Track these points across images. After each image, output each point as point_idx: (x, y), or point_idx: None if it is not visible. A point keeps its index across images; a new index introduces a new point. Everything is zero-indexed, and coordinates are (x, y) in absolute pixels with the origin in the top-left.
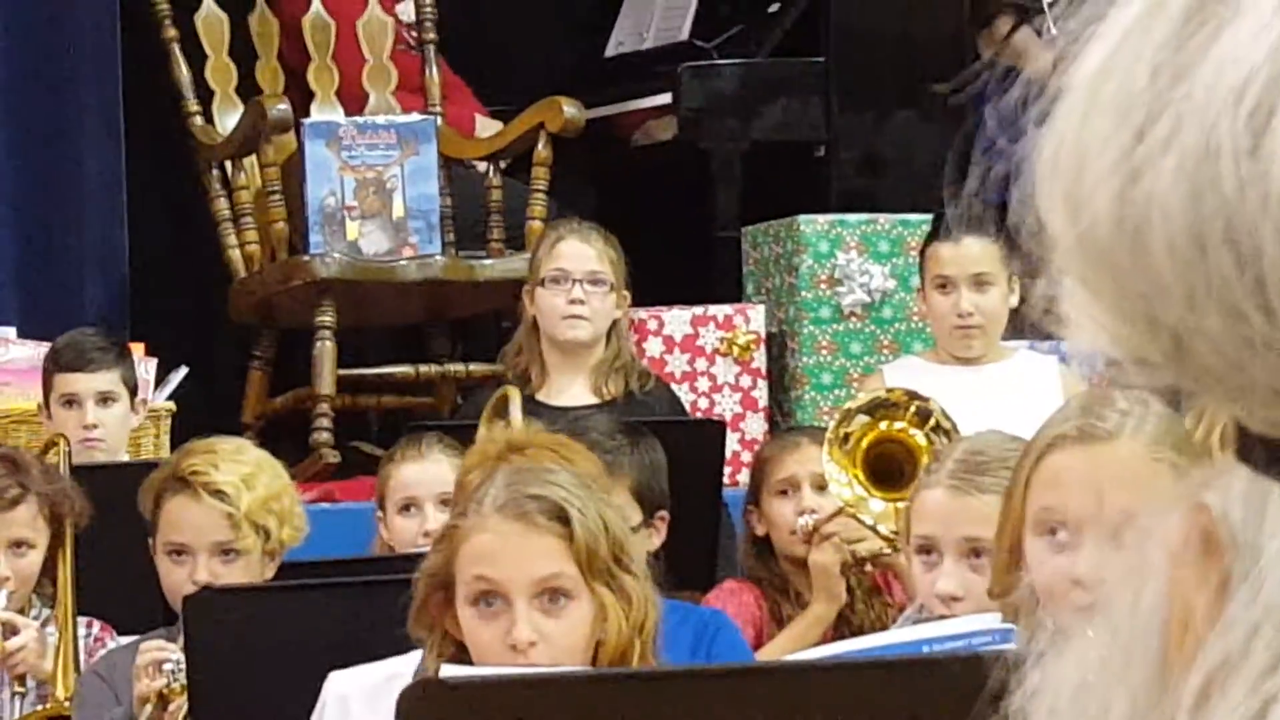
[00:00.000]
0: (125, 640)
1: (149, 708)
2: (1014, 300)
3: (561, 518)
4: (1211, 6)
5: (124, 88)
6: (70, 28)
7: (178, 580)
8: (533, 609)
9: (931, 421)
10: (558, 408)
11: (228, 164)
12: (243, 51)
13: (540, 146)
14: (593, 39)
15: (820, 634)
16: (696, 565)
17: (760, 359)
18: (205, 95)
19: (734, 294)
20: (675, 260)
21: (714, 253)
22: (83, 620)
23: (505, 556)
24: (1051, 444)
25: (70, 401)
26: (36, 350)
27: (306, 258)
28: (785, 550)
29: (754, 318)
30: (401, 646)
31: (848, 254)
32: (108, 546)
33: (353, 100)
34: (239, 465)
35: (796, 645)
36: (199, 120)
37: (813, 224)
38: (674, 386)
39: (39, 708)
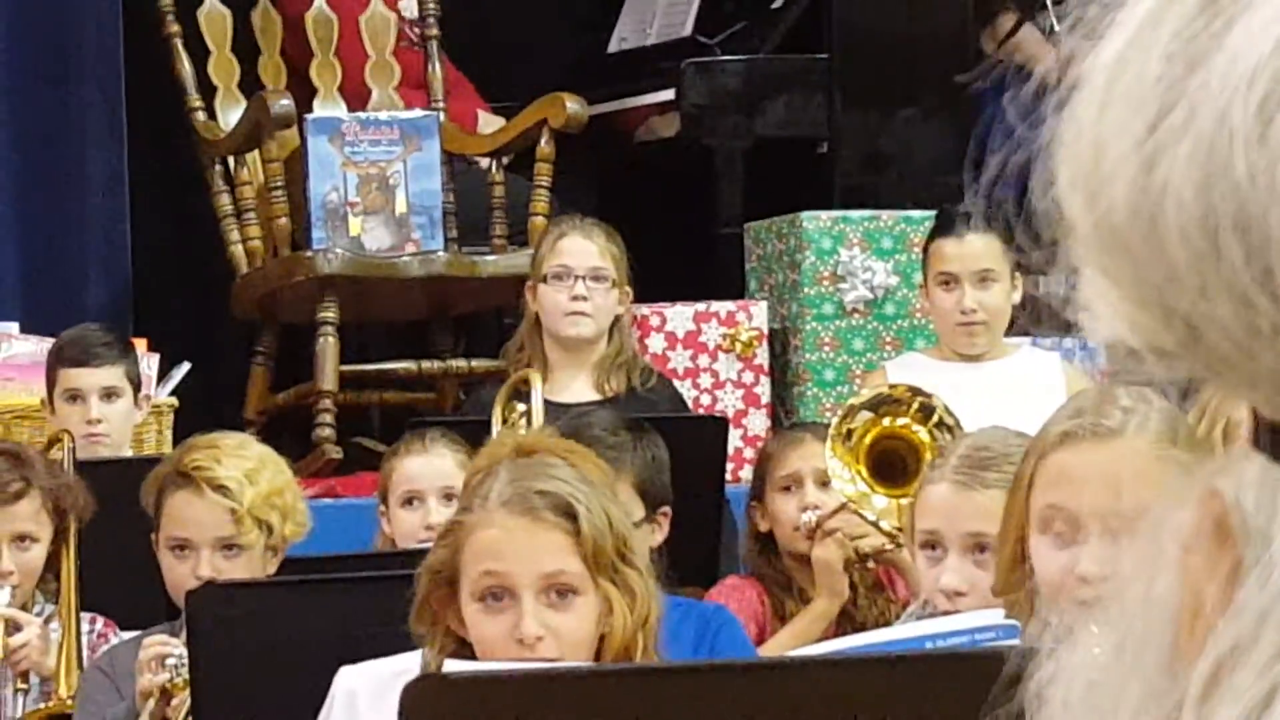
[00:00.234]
0: (128, 635)
1: (151, 703)
2: (1017, 297)
3: (568, 513)
4: None
5: (127, 83)
6: (73, 23)
7: (180, 575)
8: (539, 604)
9: (935, 418)
10: (560, 404)
11: (230, 160)
12: (245, 47)
13: (543, 142)
14: (596, 35)
15: (823, 630)
16: (699, 561)
17: (763, 355)
18: (208, 91)
19: (737, 290)
20: (678, 256)
21: (717, 249)
22: (86, 616)
23: (512, 552)
24: (1055, 441)
25: (74, 397)
26: (39, 345)
27: (309, 253)
28: (788, 546)
29: (756, 314)
30: (405, 642)
31: (850, 250)
32: (110, 542)
33: (355, 96)
34: (242, 460)
35: (799, 641)
36: (202, 116)
37: (815, 220)
38: (676, 383)
39: (42, 705)
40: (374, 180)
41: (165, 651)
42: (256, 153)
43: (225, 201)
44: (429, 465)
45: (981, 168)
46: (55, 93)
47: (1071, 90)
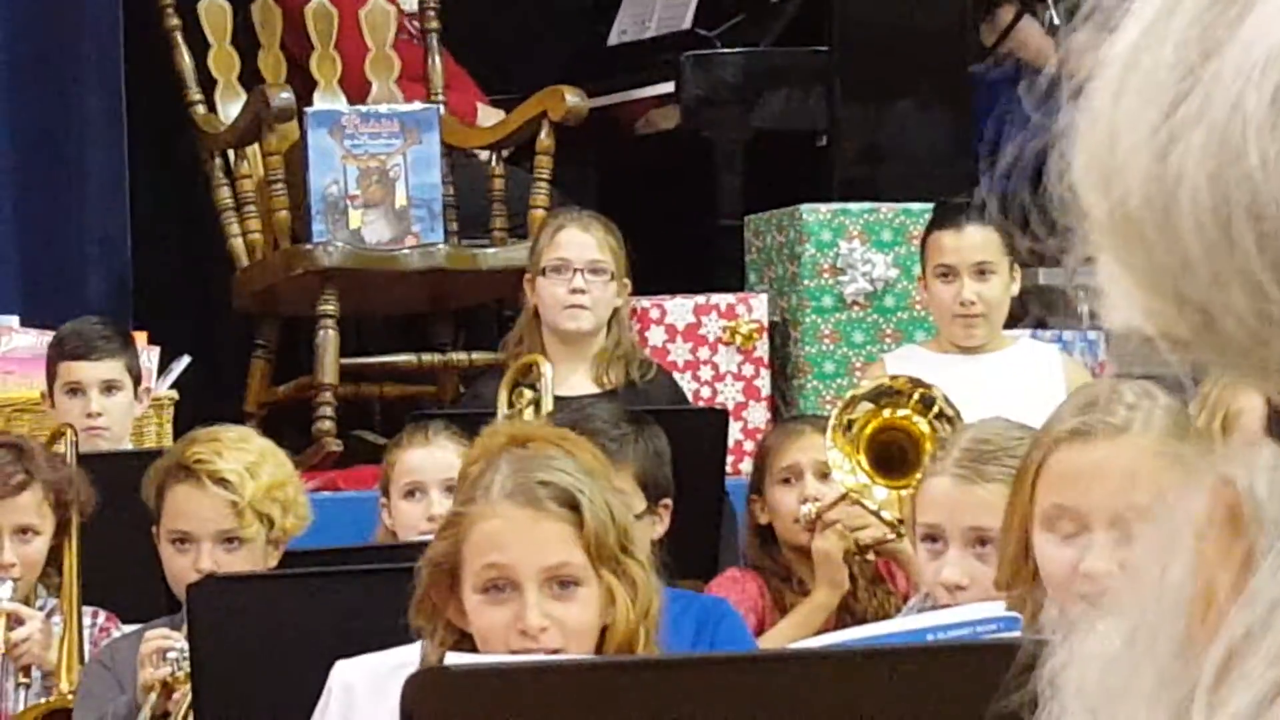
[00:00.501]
0: (129, 629)
1: (153, 696)
2: (1015, 289)
3: (571, 504)
4: None
5: (127, 77)
6: (74, 16)
7: (181, 568)
8: (542, 595)
9: (935, 409)
10: (559, 397)
11: (230, 153)
12: (245, 40)
13: (543, 135)
14: (595, 28)
15: (823, 621)
16: (699, 554)
17: (763, 348)
18: (208, 84)
19: (736, 283)
20: (678, 249)
21: (716, 241)
22: (88, 610)
23: (515, 543)
24: (1060, 438)
25: (74, 390)
26: (39, 339)
27: (309, 246)
28: (788, 539)
29: (756, 306)
30: (406, 635)
31: (850, 243)
32: (111, 535)
33: (355, 89)
34: (243, 454)
35: (799, 632)
36: (201, 109)
37: (815, 213)
38: (676, 375)
39: (43, 699)
40: (374, 173)
41: (166, 645)
42: (256, 146)
43: (225, 195)
44: (431, 457)
45: (995, 158)
46: (55, 86)
47: (1085, 80)
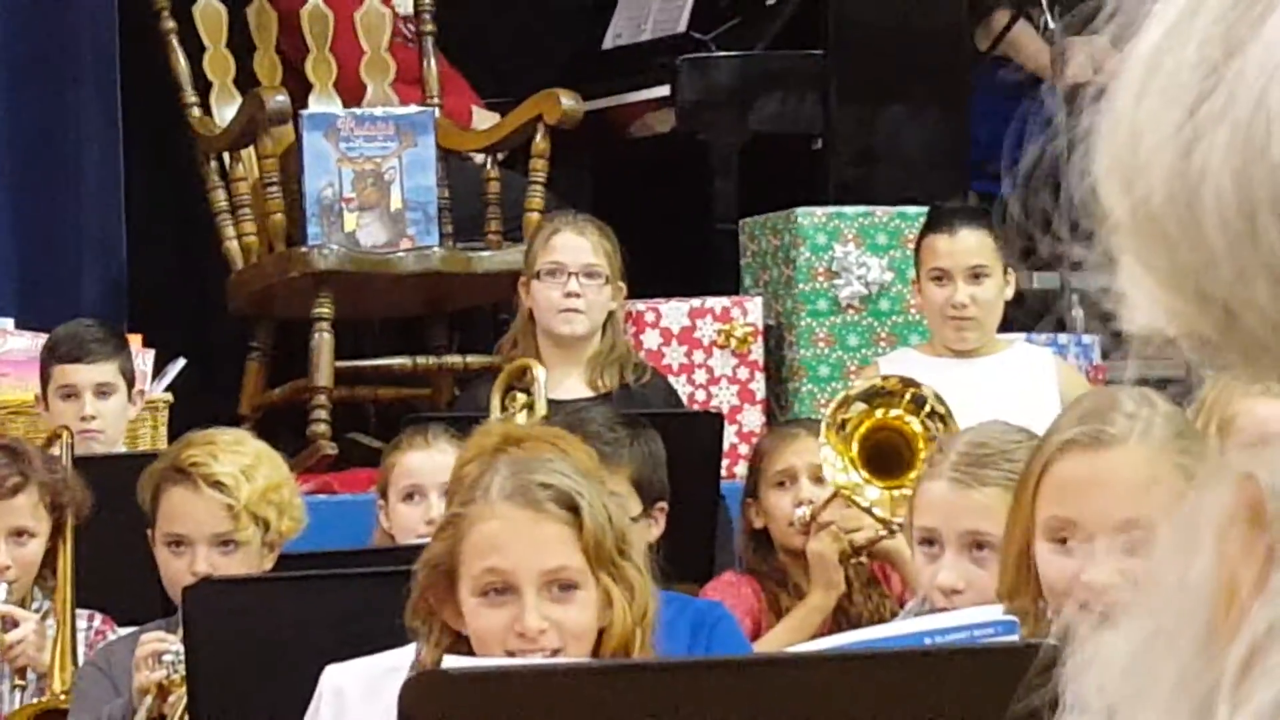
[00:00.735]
0: (125, 631)
1: (148, 699)
2: (1009, 293)
3: (571, 506)
4: None
5: (122, 79)
6: (69, 19)
7: (177, 571)
8: (541, 598)
9: (926, 408)
10: (554, 400)
11: (226, 155)
12: (241, 43)
13: (538, 138)
14: (590, 31)
15: (818, 623)
16: (694, 557)
17: (757, 351)
18: (203, 86)
19: (731, 286)
20: (673, 252)
21: (711, 245)
22: (84, 613)
23: (514, 545)
24: (1059, 449)
25: (68, 393)
26: (34, 341)
27: (304, 249)
28: (783, 542)
29: (751, 310)
30: (402, 638)
31: (845, 246)
32: (106, 537)
33: (350, 92)
34: (238, 456)
35: (795, 635)
36: (197, 111)
37: (810, 216)
38: (671, 378)
39: (36, 700)
40: (369, 176)
41: (162, 648)
42: (252, 148)
43: (220, 197)
44: (431, 460)
45: (987, 162)
46: (51, 89)
47: (1107, 81)
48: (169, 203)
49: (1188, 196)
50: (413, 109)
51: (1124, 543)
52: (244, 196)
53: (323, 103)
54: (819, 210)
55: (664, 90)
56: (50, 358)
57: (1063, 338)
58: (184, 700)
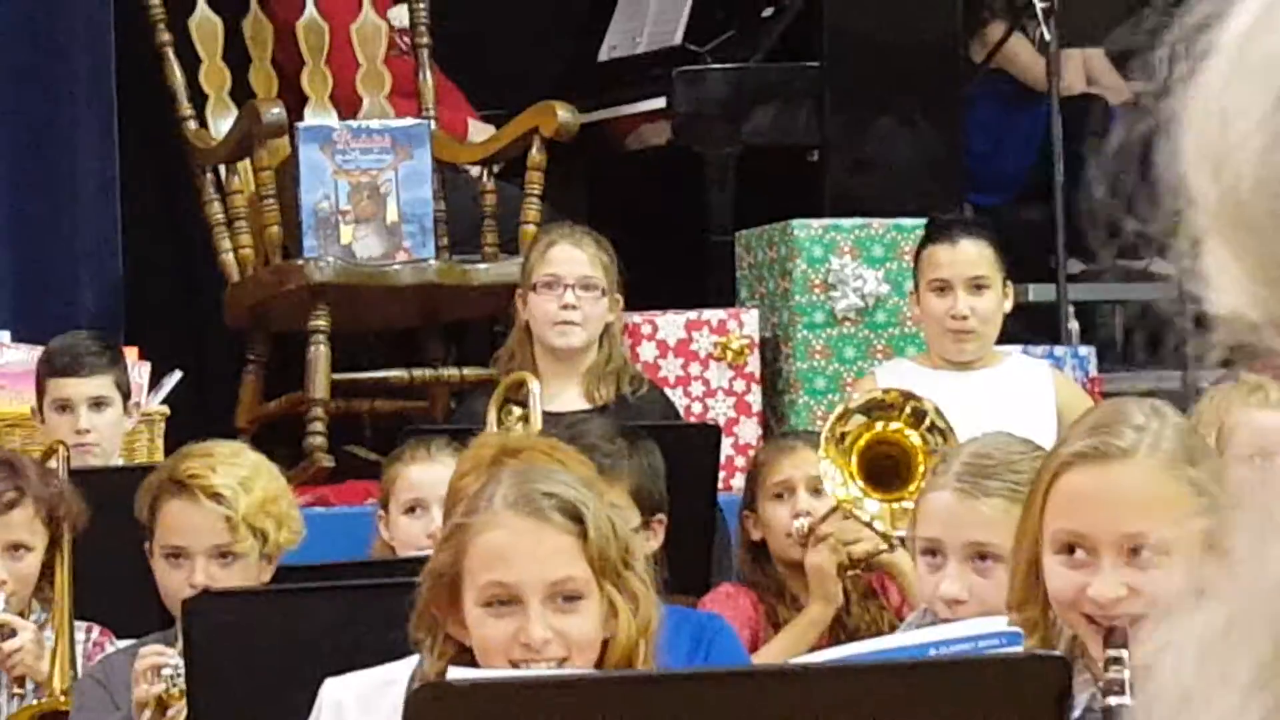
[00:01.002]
0: (123, 644)
1: (147, 713)
2: (1008, 306)
3: (576, 517)
4: None
5: (118, 91)
6: (64, 32)
7: (175, 583)
8: (546, 609)
9: (926, 421)
10: (550, 413)
11: (221, 168)
12: (236, 55)
13: (534, 151)
14: (586, 43)
15: (817, 636)
16: (691, 570)
17: (754, 364)
18: (199, 99)
19: (728, 298)
20: (669, 264)
21: (708, 257)
22: (82, 625)
23: (519, 555)
24: (1068, 461)
25: (63, 406)
26: (31, 354)
27: (300, 262)
28: (781, 554)
29: (748, 322)
30: (401, 650)
31: (841, 259)
32: (103, 550)
33: (347, 104)
34: (236, 468)
35: (793, 648)
36: (193, 124)
37: (806, 228)
38: (668, 391)
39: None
40: (365, 188)
41: (161, 662)
42: (248, 161)
43: (216, 210)
44: (433, 473)
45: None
46: (47, 101)
47: (1196, 66)
48: (165, 215)
49: (1277, 186)
50: (409, 121)
51: (1131, 556)
52: (240, 209)
53: (319, 115)
54: (815, 222)
55: (660, 102)
56: (45, 371)
57: (1059, 350)
58: (183, 713)
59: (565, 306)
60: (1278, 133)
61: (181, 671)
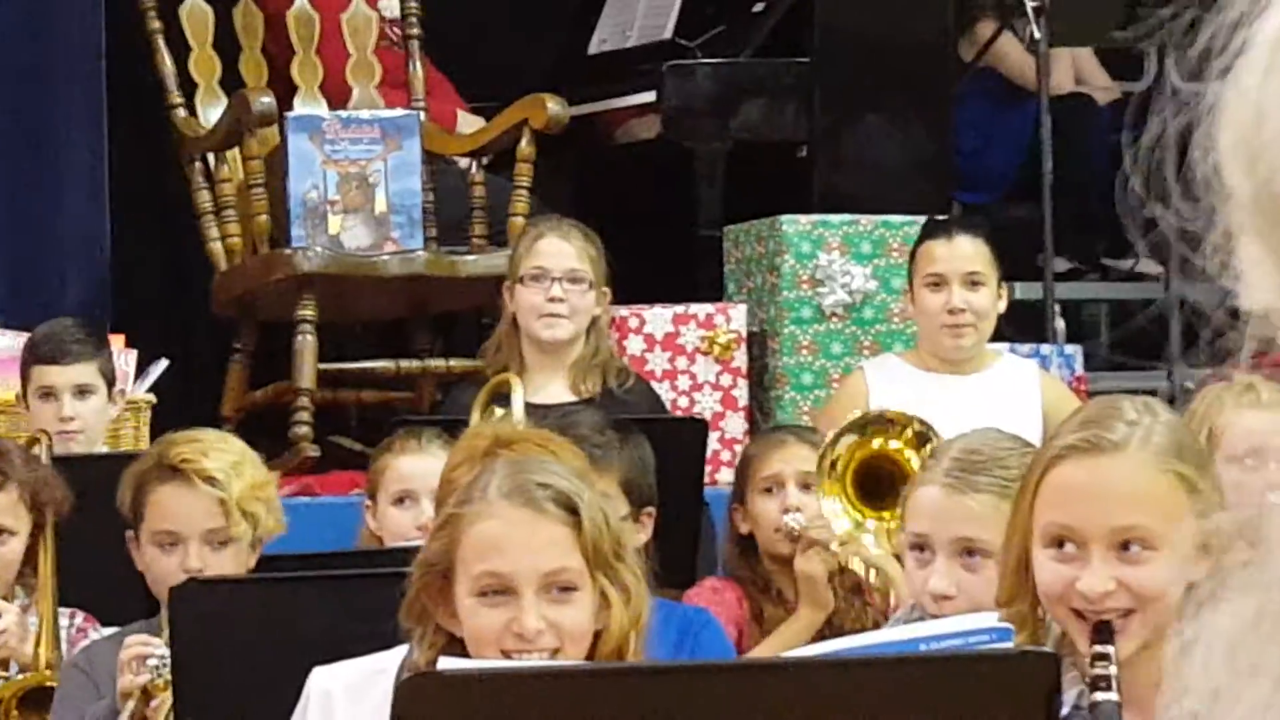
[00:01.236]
0: (107, 631)
1: (132, 703)
2: (1002, 305)
3: (570, 507)
4: None
5: (107, 79)
6: (54, 19)
7: (167, 569)
8: (539, 599)
9: (928, 448)
10: (537, 405)
11: (210, 156)
12: (227, 44)
13: (523, 143)
14: (576, 36)
15: (807, 641)
16: (677, 563)
17: (741, 358)
18: (189, 87)
19: (715, 293)
20: (657, 258)
21: (696, 251)
22: (65, 611)
23: (513, 545)
24: (1059, 455)
25: (47, 394)
26: (17, 341)
27: (288, 251)
28: (769, 548)
29: (735, 317)
30: (389, 640)
31: (829, 254)
32: (87, 538)
33: (336, 94)
34: (226, 453)
35: (783, 652)
36: (182, 112)
37: (795, 224)
38: (654, 384)
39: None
40: (354, 179)
41: (146, 651)
42: (237, 150)
43: (205, 198)
44: (423, 464)
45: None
46: (36, 89)
47: (1232, 59)
48: (153, 204)
49: None
50: (398, 112)
51: (1120, 551)
52: (228, 198)
53: (308, 105)
54: (803, 218)
55: (649, 96)
56: (30, 358)
57: (1045, 348)
58: (168, 703)
59: (552, 299)
60: None
61: (167, 662)
